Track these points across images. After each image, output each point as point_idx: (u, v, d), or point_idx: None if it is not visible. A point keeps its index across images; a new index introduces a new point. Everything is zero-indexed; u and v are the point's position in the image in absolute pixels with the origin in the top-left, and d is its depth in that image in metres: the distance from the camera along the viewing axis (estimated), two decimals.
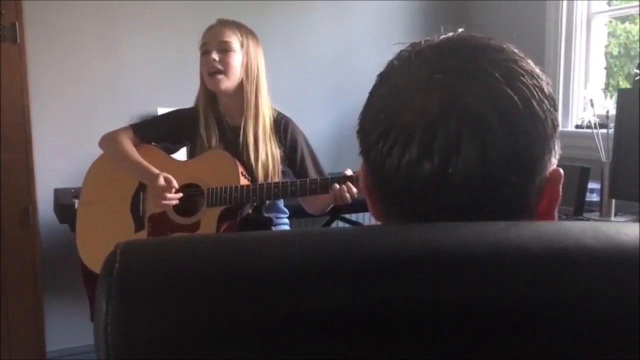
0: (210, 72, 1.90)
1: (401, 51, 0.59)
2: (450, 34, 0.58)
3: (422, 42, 0.58)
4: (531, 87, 0.54)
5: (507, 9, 3.08)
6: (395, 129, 0.54)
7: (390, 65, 0.59)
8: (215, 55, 1.89)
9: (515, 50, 0.57)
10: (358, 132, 0.60)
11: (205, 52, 1.92)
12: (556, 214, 0.59)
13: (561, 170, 0.58)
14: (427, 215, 0.54)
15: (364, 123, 0.59)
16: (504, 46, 0.57)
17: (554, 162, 0.57)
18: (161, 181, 1.88)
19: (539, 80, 0.55)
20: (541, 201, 0.57)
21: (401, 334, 0.40)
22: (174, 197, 1.89)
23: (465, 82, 0.53)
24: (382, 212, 0.60)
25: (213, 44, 1.91)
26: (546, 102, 0.55)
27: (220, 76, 1.89)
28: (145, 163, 1.94)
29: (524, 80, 0.54)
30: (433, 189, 0.53)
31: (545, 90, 0.55)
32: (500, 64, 0.54)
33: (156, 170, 1.91)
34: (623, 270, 0.43)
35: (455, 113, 0.52)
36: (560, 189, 0.58)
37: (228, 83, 1.91)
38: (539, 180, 0.56)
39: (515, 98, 0.53)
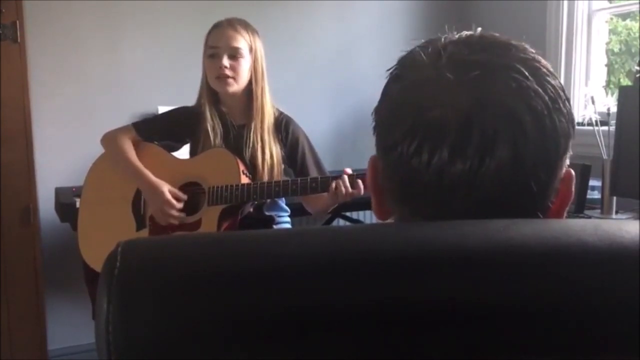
0: (220, 77, 1.89)
1: (417, 47, 0.58)
2: (470, 32, 0.58)
3: (442, 39, 0.57)
4: (557, 87, 0.55)
5: (507, 8, 3.08)
6: (424, 126, 0.53)
7: (410, 58, 0.57)
8: (225, 62, 1.87)
9: (532, 49, 0.57)
10: (375, 127, 0.58)
11: (214, 55, 1.90)
12: (565, 215, 0.59)
13: (572, 171, 0.58)
14: (454, 213, 0.53)
15: (383, 118, 0.57)
16: (524, 44, 0.57)
17: (567, 162, 0.57)
18: (168, 196, 1.87)
19: (559, 81, 0.56)
20: (555, 201, 0.57)
21: (402, 333, 0.40)
22: (180, 217, 1.90)
23: (497, 80, 0.53)
24: (390, 212, 0.59)
25: (223, 48, 1.89)
26: (567, 102, 0.56)
27: (229, 80, 1.89)
28: (146, 171, 1.92)
29: (550, 80, 0.55)
30: (463, 186, 0.52)
31: (565, 90, 0.56)
32: (527, 63, 0.54)
33: (158, 181, 1.90)
34: (624, 267, 0.43)
35: (489, 111, 0.52)
36: (573, 189, 0.58)
37: (237, 87, 1.91)
38: (557, 179, 0.56)
39: (546, 98, 0.53)
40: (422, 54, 0.56)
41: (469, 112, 0.52)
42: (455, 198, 0.53)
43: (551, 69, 0.56)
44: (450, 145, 0.52)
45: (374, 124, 0.59)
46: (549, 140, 0.53)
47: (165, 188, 1.89)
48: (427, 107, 0.53)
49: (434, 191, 0.53)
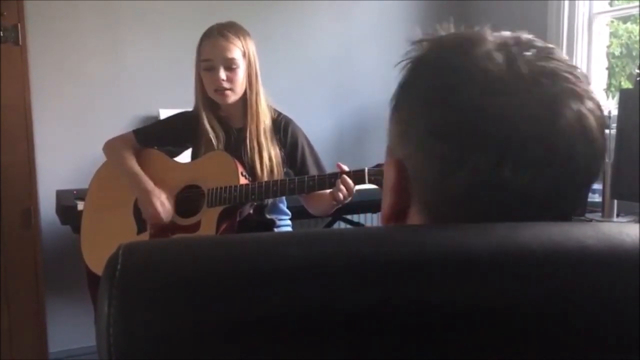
0: (218, 89, 1.89)
1: (481, 47, 0.53)
2: (507, 32, 0.55)
3: (492, 38, 0.54)
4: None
5: (508, 9, 3.08)
6: (506, 142, 0.50)
7: (480, 58, 0.52)
8: (222, 74, 1.87)
9: None
10: (442, 134, 0.52)
11: (210, 68, 1.89)
12: None
13: None
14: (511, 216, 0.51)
15: (449, 126, 0.52)
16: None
17: None
18: (156, 207, 1.89)
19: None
20: None
21: (403, 335, 0.40)
22: (167, 220, 1.91)
23: (565, 90, 0.52)
24: (406, 218, 0.56)
25: (218, 60, 1.88)
26: None
27: (228, 92, 1.89)
28: (143, 179, 1.93)
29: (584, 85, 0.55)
30: (542, 202, 0.52)
31: None
32: (569, 65, 0.54)
33: (153, 191, 1.91)
34: (624, 270, 0.43)
35: (568, 124, 0.51)
36: None
37: (235, 97, 1.92)
38: None
39: (596, 99, 0.54)
40: (494, 56, 0.52)
41: (553, 130, 0.50)
42: (517, 211, 0.51)
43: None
44: (532, 163, 0.50)
45: (438, 128, 0.52)
46: (603, 144, 0.54)
47: (156, 200, 1.90)
48: (510, 122, 0.50)
49: (503, 206, 0.51)
